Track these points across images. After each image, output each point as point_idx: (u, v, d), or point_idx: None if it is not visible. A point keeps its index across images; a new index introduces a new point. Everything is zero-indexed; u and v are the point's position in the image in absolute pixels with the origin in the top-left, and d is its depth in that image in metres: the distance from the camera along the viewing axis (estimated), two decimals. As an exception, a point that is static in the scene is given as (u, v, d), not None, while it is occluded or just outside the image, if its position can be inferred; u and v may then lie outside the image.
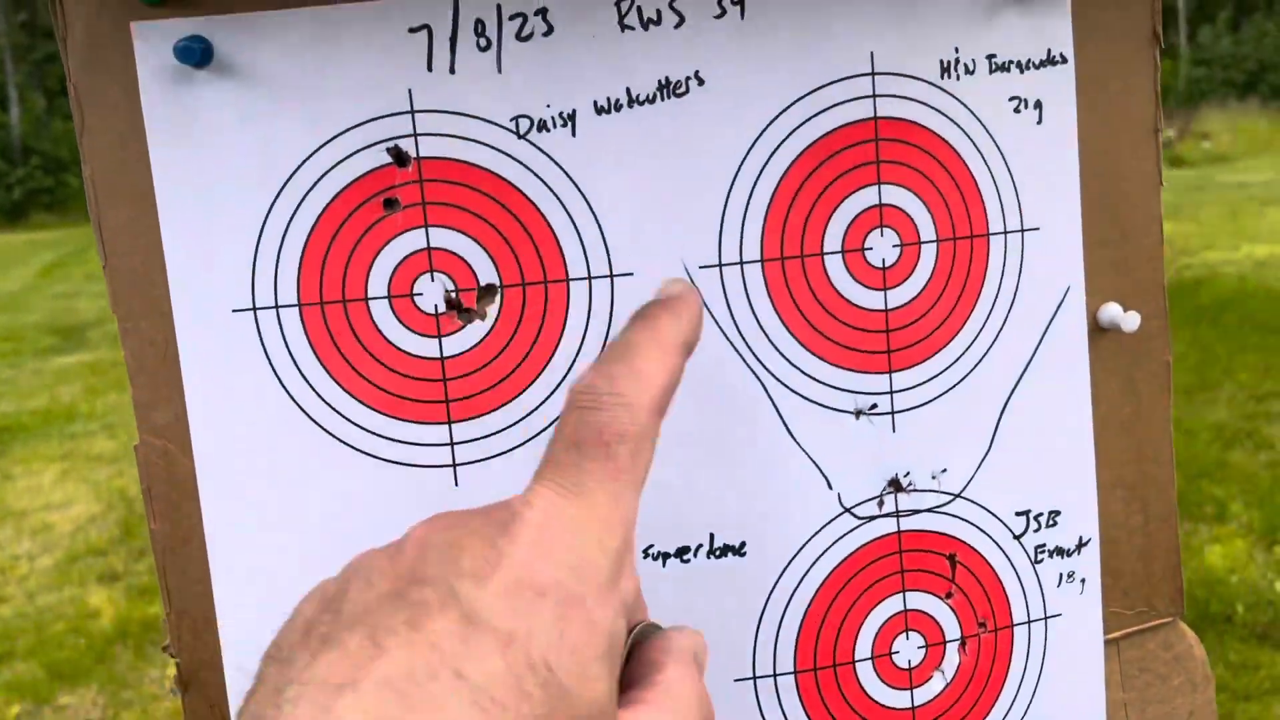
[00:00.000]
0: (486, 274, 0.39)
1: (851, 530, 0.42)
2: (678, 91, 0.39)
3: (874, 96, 0.40)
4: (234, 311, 0.38)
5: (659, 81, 0.39)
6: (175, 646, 0.40)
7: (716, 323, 0.40)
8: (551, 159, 0.39)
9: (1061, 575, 0.44)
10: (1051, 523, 0.44)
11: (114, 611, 2.48)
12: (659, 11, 0.38)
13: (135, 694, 2.13)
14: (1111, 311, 0.44)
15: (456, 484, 0.39)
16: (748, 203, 0.40)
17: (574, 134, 0.39)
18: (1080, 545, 0.44)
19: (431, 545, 0.23)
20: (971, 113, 0.41)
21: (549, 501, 0.23)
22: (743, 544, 0.41)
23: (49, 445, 3.62)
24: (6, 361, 4.74)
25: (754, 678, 0.42)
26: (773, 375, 0.40)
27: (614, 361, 0.25)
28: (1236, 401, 3.12)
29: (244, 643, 0.39)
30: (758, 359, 0.40)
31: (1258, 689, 1.85)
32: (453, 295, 0.39)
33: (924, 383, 0.42)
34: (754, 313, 0.40)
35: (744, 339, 0.40)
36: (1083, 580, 0.45)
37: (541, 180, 0.39)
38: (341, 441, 0.39)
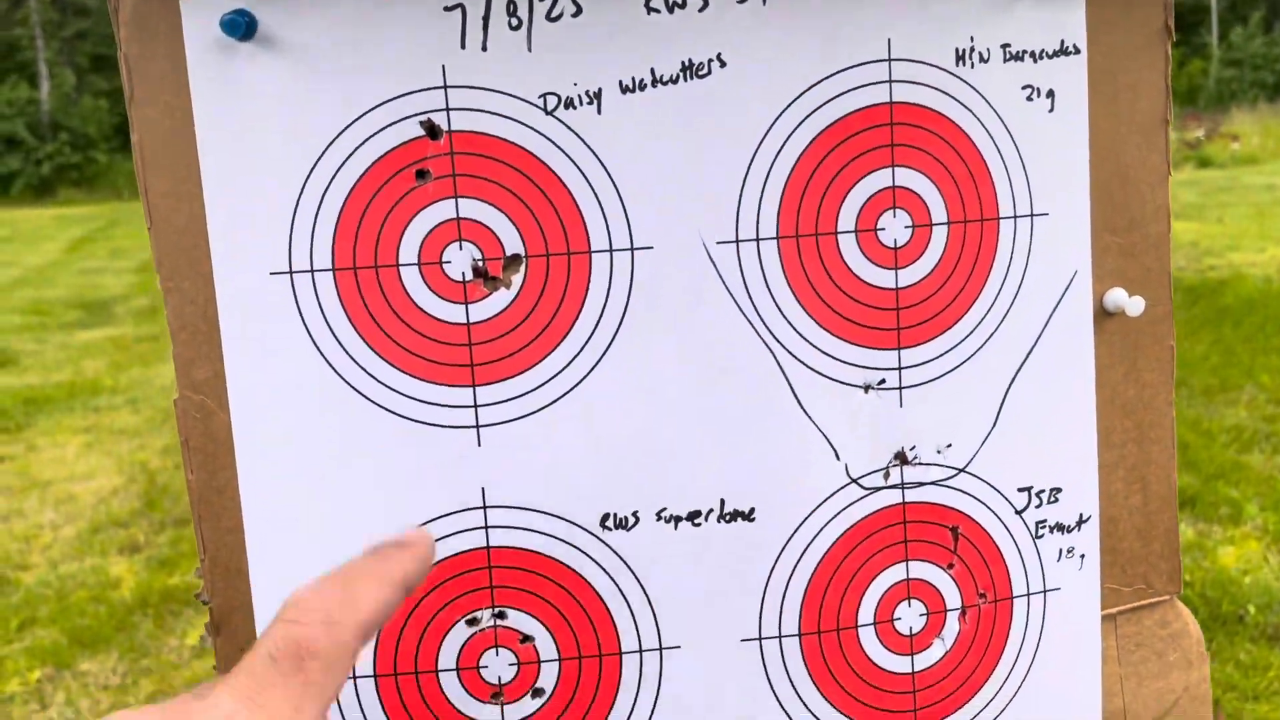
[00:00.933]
0: (512, 244, 0.41)
1: (858, 500, 0.43)
2: (700, 73, 0.41)
3: (890, 82, 0.42)
4: (271, 274, 0.40)
5: (682, 63, 0.40)
6: (209, 592, 0.42)
7: (732, 297, 0.41)
8: (577, 135, 0.40)
9: (1061, 550, 0.46)
10: (1053, 499, 0.45)
11: (134, 581, 2.52)
12: (684, -5, 0.40)
13: (154, 662, 2.17)
14: (1117, 296, 0.45)
15: (479, 444, 0.41)
16: (765, 181, 0.41)
17: (599, 112, 0.40)
18: (1080, 522, 0.46)
19: None
20: (985, 100, 0.43)
21: (225, 708, 0.25)
22: (752, 510, 0.42)
23: (73, 418, 3.68)
24: (32, 335, 4.80)
25: (760, 639, 0.43)
26: (785, 349, 0.42)
27: (331, 582, 0.28)
28: (1256, 404, 3.11)
29: (274, 589, 0.41)
30: (771, 333, 0.42)
31: (1266, 689, 1.85)
32: (480, 264, 0.41)
33: (932, 360, 0.43)
34: (769, 288, 0.42)
35: (758, 313, 0.42)
36: (1082, 556, 0.46)
37: (567, 155, 0.40)
38: (370, 400, 0.41)
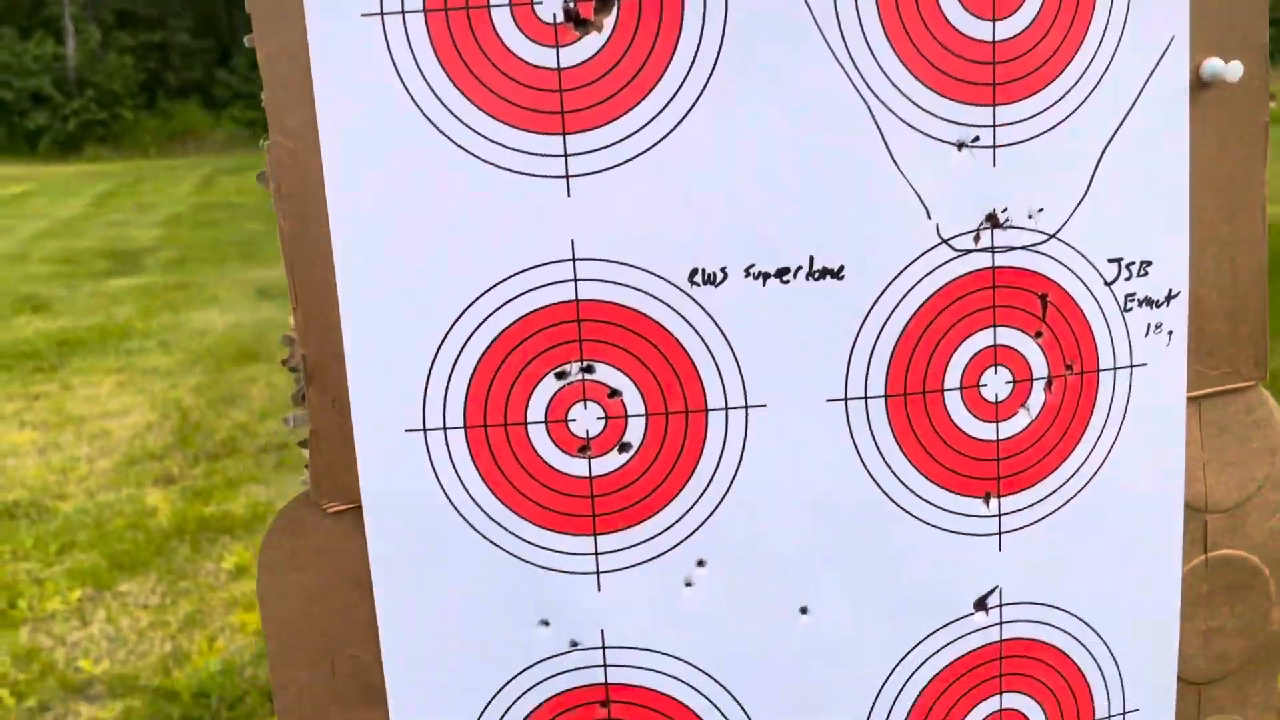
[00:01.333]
0: (604, -12, 0.40)
1: (947, 262, 0.43)
2: None
3: None
4: (363, 16, 0.40)
5: None
6: (301, 342, 0.42)
7: (828, 44, 0.41)
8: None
9: (1149, 325, 0.45)
10: (1142, 272, 0.45)
11: (170, 510, 2.55)
12: None
13: (192, 584, 2.21)
14: (1214, 64, 0.44)
15: (569, 195, 0.41)
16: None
17: None
18: (1169, 298, 0.45)
19: None
20: None
21: None
22: (841, 268, 0.42)
23: (105, 359, 3.71)
24: (62, 283, 4.84)
25: (845, 399, 0.43)
26: (879, 99, 0.41)
27: None
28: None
29: (367, 337, 0.41)
30: (865, 82, 0.41)
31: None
32: (570, 6, 0.40)
33: (1026, 119, 0.43)
34: (864, 34, 0.41)
35: (853, 60, 0.41)
36: (1170, 333, 0.45)
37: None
38: (460, 147, 0.41)
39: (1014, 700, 0.46)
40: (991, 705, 0.46)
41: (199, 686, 1.78)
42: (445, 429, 0.42)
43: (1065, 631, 0.46)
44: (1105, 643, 0.47)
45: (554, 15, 0.40)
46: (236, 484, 2.68)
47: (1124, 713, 0.48)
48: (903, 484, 0.44)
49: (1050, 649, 0.46)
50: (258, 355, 3.65)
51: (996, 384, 0.44)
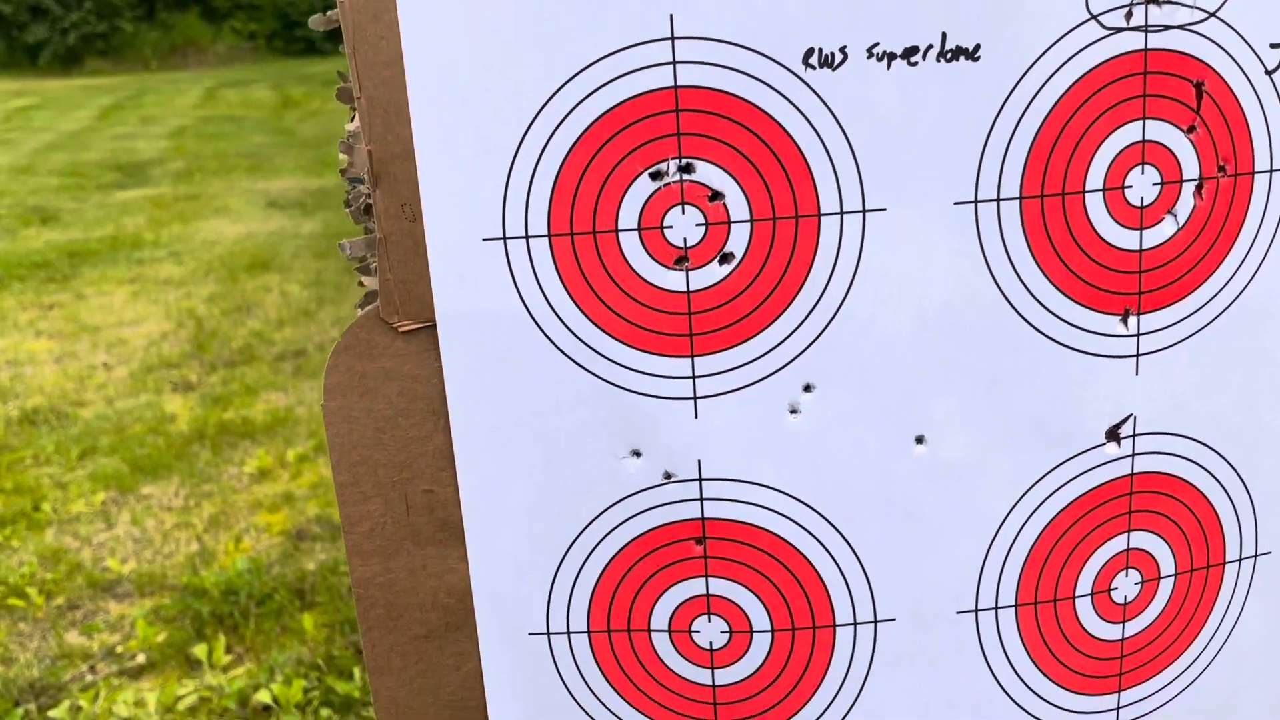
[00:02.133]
0: None
1: (1095, 41, 0.38)
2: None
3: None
4: None
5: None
6: (366, 136, 0.38)
7: None
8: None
9: (1312, 123, 0.40)
10: (1308, 61, 0.40)
11: (190, 416, 2.54)
12: None
13: (215, 486, 2.20)
14: None
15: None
16: None
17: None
18: (1335, 91, 0.40)
19: None
20: None
21: None
22: (977, 46, 0.37)
23: (117, 269, 3.67)
24: (70, 195, 4.78)
25: (975, 201, 0.39)
26: None
27: None
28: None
29: (439, 132, 0.37)
30: None
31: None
32: None
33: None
34: None
35: None
36: (1333, 132, 0.41)
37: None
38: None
39: (1142, 539, 0.43)
40: (1118, 545, 0.42)
41: (227, 584, 1.78)
42: (527, 237, 0.38)
43: (1200, 466, 0.42)
44: (1242, 479, 0.43)
45: None
46: (255, 390, 2.66)
47: (1255, 555, 0.44)
48: (1034, 298, 0.39)
49: (1183, 484, 0.43)
50: (270, 265, 3.60)
51: (1143, 185, 0.39)
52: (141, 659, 1.62)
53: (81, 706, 1.49)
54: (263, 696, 1.48)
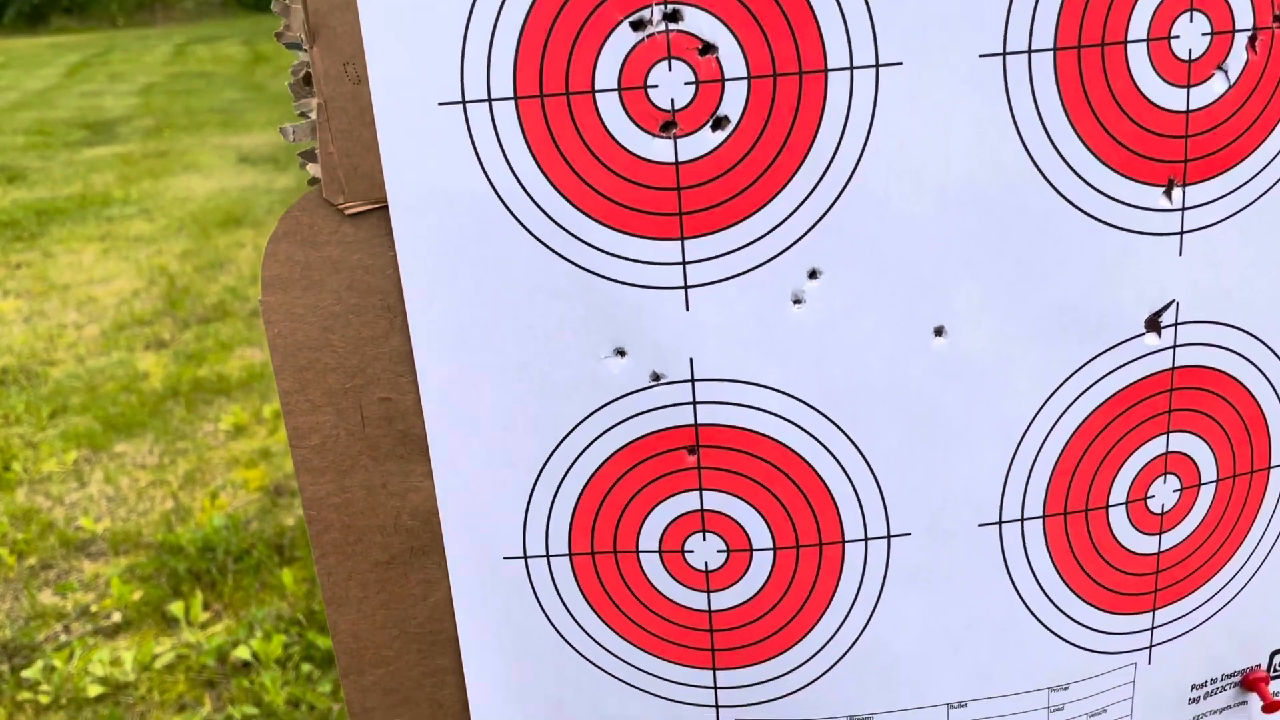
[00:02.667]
0: None
1: None
2: None
3: None
4: None
5: None
6: (298, -18, 0.33)
7: None
8: None
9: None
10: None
11: (163, 373, 2.48)
12: None
13: (190, 444, 2.15)
14: None
15: None
16: None
17: None
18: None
19: None
20: None
21: None
22: None
23: (86, 227, 3.58)
24: (38, 153, 4.66)
25: (1004, 53, 0.34)
26: None
27: None
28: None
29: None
30: None
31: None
32: None
33: None
34: None
35: None
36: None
37: None
38: None
39: (1182, 441, 0.39)
40: (1156, 448, 0.38)
41: (204, 541, 1.73)
42: (490, 100, 0.33)
43: (1247, 359, 0.38)
44: (1291, 374, 0.39)
45: None
46: (229, 347, 2.60)
47: (1304, 459, 0.40)
48: (1069, 167, 0.35)
49: (1228, 380, 0.38)
50: (242, 220, 3.52)
51: (1191, 35, 0.35)
52: (117, 618, 1.58)
53: (56, 666, 1.45)
54: (242, 653, 1.44)
